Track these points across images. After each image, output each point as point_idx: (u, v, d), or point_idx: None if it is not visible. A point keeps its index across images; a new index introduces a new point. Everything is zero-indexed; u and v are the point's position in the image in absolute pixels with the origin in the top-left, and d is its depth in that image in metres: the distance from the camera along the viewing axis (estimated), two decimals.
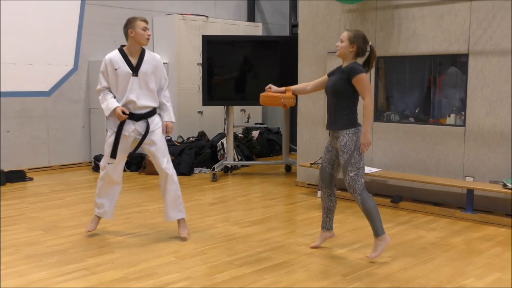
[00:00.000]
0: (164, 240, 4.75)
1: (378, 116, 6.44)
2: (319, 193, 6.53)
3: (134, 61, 4.60)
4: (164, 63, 8.92)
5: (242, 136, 9.43)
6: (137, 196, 6.55)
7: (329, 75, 4.44)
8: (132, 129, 4.64)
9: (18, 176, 7.37)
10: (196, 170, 8.16)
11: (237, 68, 8.08)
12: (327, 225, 4.56)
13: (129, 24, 4.59)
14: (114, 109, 4.55)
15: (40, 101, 8.14)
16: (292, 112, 8.65)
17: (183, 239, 4.74)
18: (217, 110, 9.51)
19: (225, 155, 8.22)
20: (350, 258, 4.32)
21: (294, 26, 10.01)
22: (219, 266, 4.11)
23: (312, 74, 6.82)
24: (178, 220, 4.85)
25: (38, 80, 8.04)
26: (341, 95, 4.23)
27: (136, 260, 4.23)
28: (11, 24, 7.57)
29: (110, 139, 4.66)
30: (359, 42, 4.22)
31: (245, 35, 9.59)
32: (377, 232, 4.23)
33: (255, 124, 9.94)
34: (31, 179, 7.49)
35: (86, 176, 7.88)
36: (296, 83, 7.06)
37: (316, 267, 4.11)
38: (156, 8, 9.37)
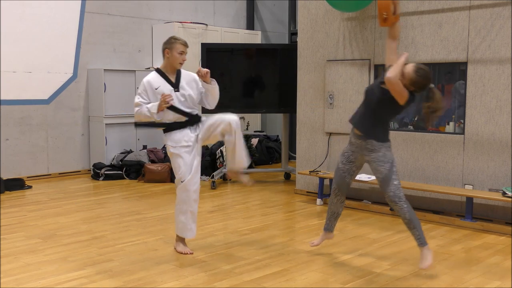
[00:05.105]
0: (163, 248, 4.74)
1: None
2: (318, 201, 6.52)
3: (172, 78, 4.58)
4: None
5: None
6: (136, 204, 6.54)
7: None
8: (192, 137, 4.56)
9: (17, 184, 7.36)
10: None
11: (238, 76, 8.10)
12: (331, 228, 4.58)
13: (168, 44, 4.55)
14: (159, 103, 4.40)
15: (39, 109, 8.14)
16: (291, 120, 8.66)
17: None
18: None
19: (224, 163, 8.22)
20: (350, 266, 4.31)
21: (293, 34, 10.03)
22: (218, 274, 4.10)
23: (312, 82, 6.83)
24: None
25: (37, 88, 8.06)
26: (381, 105, 4.17)
27: (135, 269, 4.22)
28: (11, 32, 7.60)
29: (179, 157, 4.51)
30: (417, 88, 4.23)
31: (245, 43, 9.61)
32: (422, 241, 4.11)
33: (254, 131, 9.94)
34: (30, 187, 7.48)
35: (85, 184, 7.86)
36: (295, 91, 7.09)
37: (316, 275, 4.10)
38: (156, 16, 9.39)
